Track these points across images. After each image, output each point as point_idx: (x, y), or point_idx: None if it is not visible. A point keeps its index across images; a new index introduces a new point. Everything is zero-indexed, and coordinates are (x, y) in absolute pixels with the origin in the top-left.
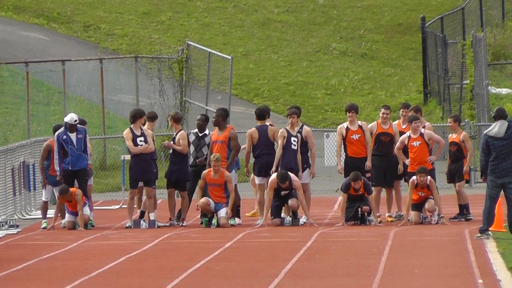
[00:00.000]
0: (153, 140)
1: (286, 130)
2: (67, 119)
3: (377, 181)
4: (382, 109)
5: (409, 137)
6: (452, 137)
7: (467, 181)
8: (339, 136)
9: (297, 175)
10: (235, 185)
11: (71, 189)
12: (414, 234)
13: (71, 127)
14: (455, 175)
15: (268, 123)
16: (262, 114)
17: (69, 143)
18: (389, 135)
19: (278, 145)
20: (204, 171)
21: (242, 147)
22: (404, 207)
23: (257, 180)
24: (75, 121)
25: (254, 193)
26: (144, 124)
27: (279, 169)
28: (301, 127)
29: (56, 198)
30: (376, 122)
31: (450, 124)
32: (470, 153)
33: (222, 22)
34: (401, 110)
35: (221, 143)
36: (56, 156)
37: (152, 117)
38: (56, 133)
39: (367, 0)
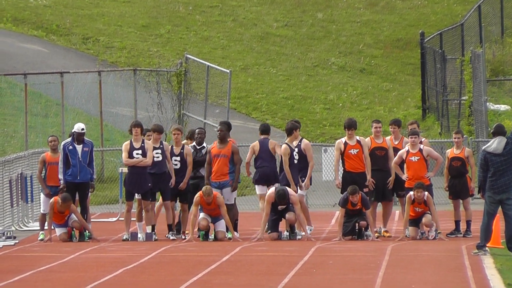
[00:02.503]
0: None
1: (288, 145)
2: (75, 128)
3: (376, 196)
4: (374, 124)
5: (408, 151)
6: (455, 152)
7: (471, 196)
8: (337, 151)
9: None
10: (234, 198)
11: None
12: (411, 249)
13: (78, 137)
14: (460, 191)
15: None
16: (266, 129)
17: (74, 154)
18: (384, 149)
19: (284, 162)
20: (196, 198)
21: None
22: (400, 222)
23: (258, 189)
24: (82, 129)
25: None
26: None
27: (280, 184)
28: (300, 141)
29: (48, 209)
30: (369, 137)
31: (458, 139)
32: (475, 168)
33: (221, 36)
34: (390, 126)
35: (223, 157)
36: (60, 165)
37: (159, 130)
38: (63, 143)
39: (366, 15)
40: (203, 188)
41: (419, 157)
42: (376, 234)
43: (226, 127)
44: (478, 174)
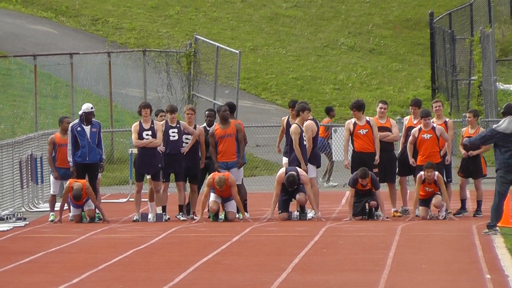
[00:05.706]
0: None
1: (299, 126)
2: (83, 108)
3: (380, 177)
4: (380, 104)
5: (420, 129)
6: (469, 131)
7: (484, 176)
8: (347, 132)
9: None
10: (242, 178)
11: (81, 182)
12: (422, 229)
13: (87, 116)
14: (473, 171)
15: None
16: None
17: (82, 135)
18: (388, 130)
19: (294, 141)
20: (209, 180)
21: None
22: (410, 202)
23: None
24: (92, 108)
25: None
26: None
27: (288, 165)
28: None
29: (63, 192)
30: (373, 117)
31: (469, 118)
32: (486, 148)
33: (230, 17)
34: (411, 107)
35: (229, 137)
36: (69, 147)
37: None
38: (71, 124)
39: None
40: (217, 179)
41: (431, 135)
42: (398, 214)
43: (232, 106)
44: (477, 139)
